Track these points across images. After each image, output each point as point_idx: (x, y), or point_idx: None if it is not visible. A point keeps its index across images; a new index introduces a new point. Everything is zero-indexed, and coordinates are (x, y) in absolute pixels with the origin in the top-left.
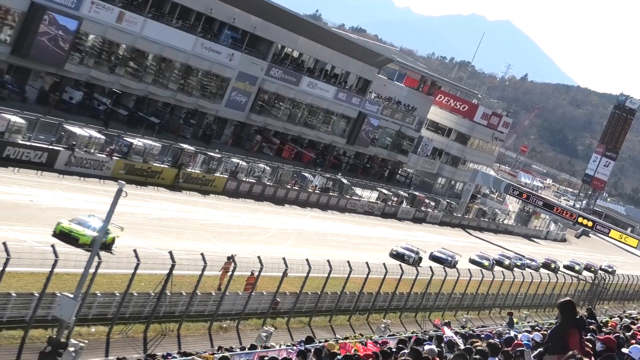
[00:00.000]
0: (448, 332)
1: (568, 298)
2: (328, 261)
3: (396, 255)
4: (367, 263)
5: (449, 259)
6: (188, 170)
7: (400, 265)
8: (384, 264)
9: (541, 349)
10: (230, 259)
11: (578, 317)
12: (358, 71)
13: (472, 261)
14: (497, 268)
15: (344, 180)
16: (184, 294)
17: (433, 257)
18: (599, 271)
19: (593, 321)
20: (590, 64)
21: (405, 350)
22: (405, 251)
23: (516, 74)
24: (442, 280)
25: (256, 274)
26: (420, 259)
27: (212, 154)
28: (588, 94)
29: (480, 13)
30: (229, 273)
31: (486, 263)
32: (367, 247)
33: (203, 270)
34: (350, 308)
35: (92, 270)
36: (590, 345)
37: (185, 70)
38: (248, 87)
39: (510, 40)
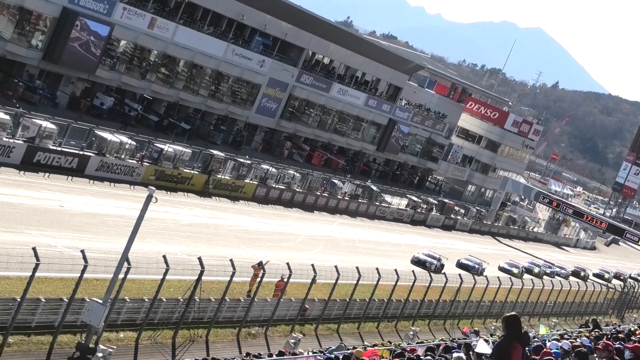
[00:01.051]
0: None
1: (513, 313)
2: (357, 268)
3: (417, 262)
4: (395, 270)
5: (476, 266)
6: (218, 176)
7: (429, 273)
8: (412, 271)
9: None
10: (260, 265)
11: (523, 332)
12: (389, 78)
13: (501, 269)
14: (526, 276)
15: (374, 187)
16: (213, 300)
17: (460, 265)
18: (629, 279)
19: (598, 331)
20: (621, 72)
21: (429, 359)
22: (427, 258)
23: (547, 82)
24: (471, 288)
25: (286, 279)
26: (442, 265)
27: (242, 160)
28: (619, 102)
29: (511, 20)
30: (258, 279)
31: (515, 271)
32: (396, 254)
33: (232, 276)
34: (379, 315)
35: (121, 276)
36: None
37: (216, 76)
38: (278, 93)
39: (541, 48)
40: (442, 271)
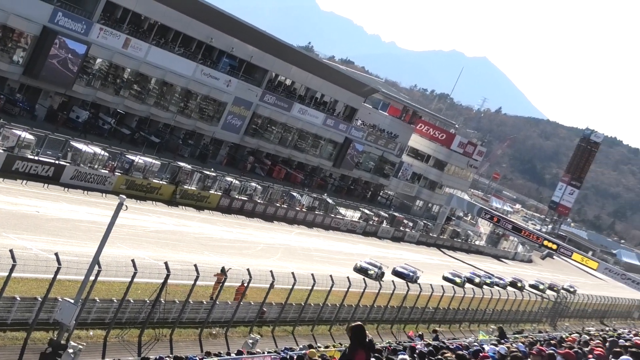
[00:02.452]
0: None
1: (359, 323)
2: (312, 275)
3: (360, 270)
4: (348, 278)
5: (411, 274)
6: (185, 187)
7: (379, 282)
8: (363, 279)
9: None
10: (223, 272)
11: (368, 340)
12: (346, 100)
13: (445, 278)
14: (468, 285)
15: (329, 200)
16: (177, 302)
17: (395, 272)
18: (561, 290)
19: (504, 340)
20: (559, 100)
21: None
22: (369, 266)
23: (491, 107)
24: (417, 296)
25: (246, 284)
26: (382, 273)
27: (207, 172)
28: (556, 127)
29: (459, 49)
30: (220, 284)
31: (458, 280)
32: (348, 262)
33: (196, 280)
34: (332, 319)
35: (92, 278)
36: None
37: (185, 94)
38: (243, 111)
39: (486, 76)
40: (383, 279)
